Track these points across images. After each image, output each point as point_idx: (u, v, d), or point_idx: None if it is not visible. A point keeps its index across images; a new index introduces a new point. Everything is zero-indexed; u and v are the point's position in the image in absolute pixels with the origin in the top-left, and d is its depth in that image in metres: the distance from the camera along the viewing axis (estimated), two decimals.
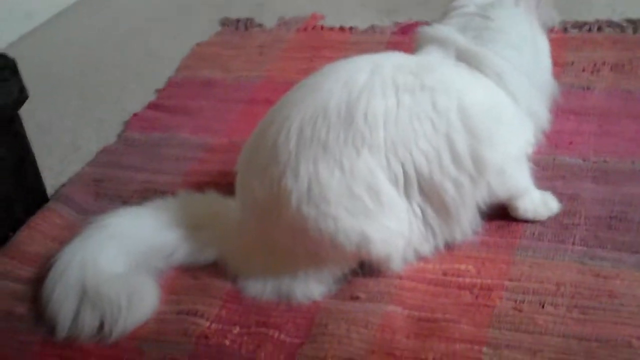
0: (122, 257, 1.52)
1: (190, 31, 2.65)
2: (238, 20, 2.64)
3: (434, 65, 1.46)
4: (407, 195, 1.42)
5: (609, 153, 1.73)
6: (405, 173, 1.40)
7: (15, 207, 1.75)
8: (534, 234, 1.54)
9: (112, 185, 1.89)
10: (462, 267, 1.48)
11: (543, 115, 1.55)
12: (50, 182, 1.92)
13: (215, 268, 1.55)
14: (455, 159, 1.41)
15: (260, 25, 2.61)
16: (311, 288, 1.47)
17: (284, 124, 1.41)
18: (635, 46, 2.14)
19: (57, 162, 2.04)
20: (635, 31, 2.23)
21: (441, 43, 1.50)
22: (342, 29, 2.49)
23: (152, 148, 2.02)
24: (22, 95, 1.70)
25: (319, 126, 1.38)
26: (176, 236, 1.56)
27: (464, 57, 1.48)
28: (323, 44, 2.40)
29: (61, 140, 2.14)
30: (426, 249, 1.49)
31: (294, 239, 1.43)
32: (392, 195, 1.40)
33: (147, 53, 2.59)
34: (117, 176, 1.91)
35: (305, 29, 2.53)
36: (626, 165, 1.69)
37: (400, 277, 1.47)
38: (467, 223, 1.50)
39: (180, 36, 2.63)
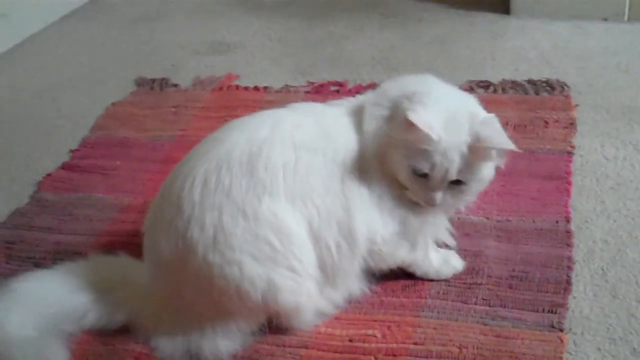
0: (31, 320, 1.51)
1: (104, 90, 2.66)
2: (153, 80, 2.67)
3: (330, 127, 1.52)
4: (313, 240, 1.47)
5: (512, 212, 1.80)
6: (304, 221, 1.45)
7: None
8: (439, 292, 1.58)
9: (24, 247, 1.88)
10: (369, 332, 1.51)
11: None
12: None
13: (127, 331, 1.56)
14: (338, 222, 1.47)
15: (175, 85, 2.63)
16: (218, 344, 1.49)
17: (188, 176, 1.46)
18: (537, 107, 2.25)
19: None
20: (537, 92, 2.33)
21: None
22: (256, 88, 2.53)
23: (65, 208, 2.01)
24: None
25: (222, 175, 1.44)
26: (86, 300, 1.55)
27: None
28: (238, 103, 2.44)
29: None
30: (329, 302, 1.53)
31: (201, 291, 1.45)
32: (302, 235, 1.45)
33: (60, 112, 2.59)
34: (29, 238, 1.91)
35: (220, 89, 2.57)
36: (527, 224, 1.76)
37: (307, 346, 1.50)
38: (355, 284, 1.54)
39: (94, 95, 2.64)
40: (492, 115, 1.52)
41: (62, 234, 1.92)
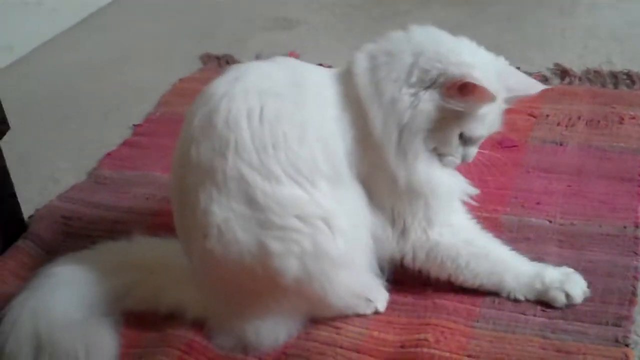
0: (75, 303, 1.50)
1: (169, 65, 2.67)
2: (218, 58, 2.64)
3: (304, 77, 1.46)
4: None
5: (577, 215, 1.72)
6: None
7: None
8: (494, 301, 1.51)
9: (81, 224, 1.88)
10: (421, 336, 1.44)
11: None
12: (29, 213, 1.92)
13: (177, 317, 1.53)
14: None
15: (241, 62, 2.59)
16: (263, 335, 1.46)
17: (174, 168, 1.47)
18: (614, 101, 2.15)
19: (36, 194, 2.03)
20: (615, 86, 2.22)
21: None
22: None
23: (123, 186, 2.01)
24: (3, 127, 1.73)
25: (191, 151, 1.39)
26: (126, 280, 1.54)
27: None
28: None
29: (40, 173, 2.14)
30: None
31: (231, 275, 1.41)
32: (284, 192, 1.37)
33: (126, 86, 2.59)
34: (86, 214, 1.90)
35: None
36: (593, 229, 1.68)
37: (358, 350, 1.44)
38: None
39: (160, 70, 2.65)
40: (503, 59, 1.49)
41: (119, 211, 1.91)
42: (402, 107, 1.38)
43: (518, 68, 1.59)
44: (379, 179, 1.44)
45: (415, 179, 1.41)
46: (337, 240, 1.38)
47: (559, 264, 1.57)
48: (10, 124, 1.76)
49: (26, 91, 2.60)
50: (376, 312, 1.51)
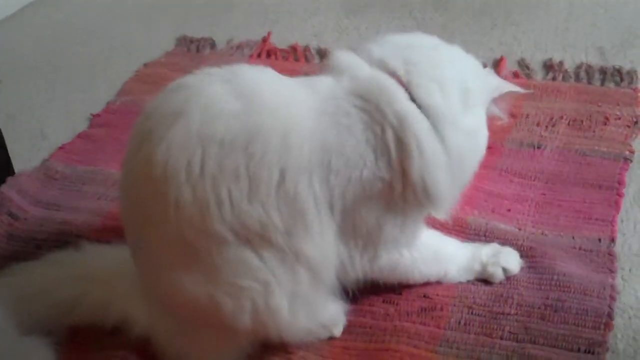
0: (15, 319, 1.39)
1: (155, 28, 2.64)
2: (191, 41, 2.52)
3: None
4: None
5: (549, 225, 1.62)
6: None
7: None
8: (459, 322, 1.41)
9: (27, 225, 1.77)
10: None
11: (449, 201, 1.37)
12: (20, 168, 1.94)
13: (121, 330, 1.43)
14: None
15: (212, 47, 2.48)
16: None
17: None
18: (600, 99, 2.04)
19: (25, 150, 2.05)
20: (602, 83, 2.11)
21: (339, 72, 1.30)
22: (296, 58, 2.37)
23: (74, 183, 1.90)
24: None
25: (132, 196, 1.31)
26: (75, 292, 1.43)
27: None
28: None
29: (30, 129, 2.16)
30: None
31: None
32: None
33: (113, 46, 2.57)
34: (33, 215, 1.80)
35: (258, 55, 2.40)
36: (565, 241, 1.58)
37: None
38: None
39: (148, 30, 2.63)
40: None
41: (68, 211, 1.80)
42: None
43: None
44: (370, 210, 1.31)
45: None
46: (293, 305, 1.28)
47: (529, 279, 1.49)
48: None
49: (14, 49, 2.59)
50: (331, 337, 1.41)
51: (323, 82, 1.29)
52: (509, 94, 1.41)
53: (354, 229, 1.30)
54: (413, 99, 1.25)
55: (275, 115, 1.21)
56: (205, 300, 1.25)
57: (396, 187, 1.26)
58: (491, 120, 1.89)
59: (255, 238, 1.22)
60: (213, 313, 1.26)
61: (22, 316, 1.40)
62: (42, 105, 2.28)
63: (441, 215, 1.36)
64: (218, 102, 1.21)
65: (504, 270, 1.48)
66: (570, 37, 2.34)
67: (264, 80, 1.28)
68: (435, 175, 1.26)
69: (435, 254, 1.45)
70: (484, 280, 1.49)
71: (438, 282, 1.48)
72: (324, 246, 1.27)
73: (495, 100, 1.39)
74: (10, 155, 1.89)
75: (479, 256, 1.48)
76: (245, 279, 1.24)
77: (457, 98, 1.28)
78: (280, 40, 2.47)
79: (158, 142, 1.20)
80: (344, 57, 1.31)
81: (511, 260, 1.49)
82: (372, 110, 1.24)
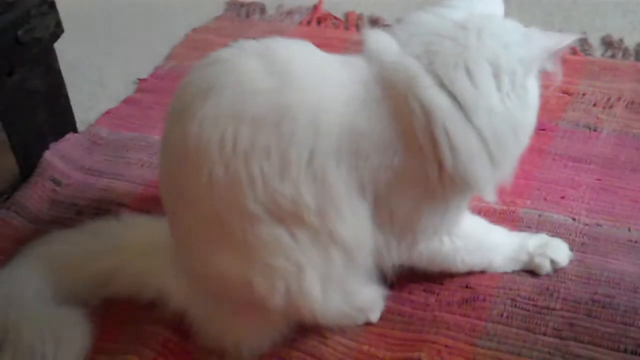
0: (49, 290, 1.38)
1: None
2: (241, 6, 2.47)
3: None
4: None
5: (604, 214, 1.56)
6: None
7: (47, 137, 1.84)
8: (502, 314, 1.36)
9: (69, 190, 1.76)
10: (415, 355, 1.30)
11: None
12: (80, 117, 1.97)
13: (156, 304, 1.40)
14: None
15: (262, 12, 2.43)
16: (242, 342, 1.33)
17: None
18: None
19: (86, 99, 2.08)
20: None
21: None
22: (347, 27, 2.31)
23: (118, 149, 1.88)
24: (58, 30, 1.78)
25: (170, 170, 1.28)
26: (111, 264, 1.41)
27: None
28: (321, 41, 2.18)
29: (90, 78, 2.19)
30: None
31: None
32: None
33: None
34: (75, 180, 1.78)
35: (308, 22, 2.36)
36: (621, 233, 1.51)
37: None
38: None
39: None
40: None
41: (110, 178, 1.78)
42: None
43: None
44: (407, 196, 1.25)
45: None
46: (326, 287, 1.25)
47: (578, 273, 1.42)
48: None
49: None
50: (368, 323, 1.37)
51: (356, 64, 1.22)
52: (559, 51, 1.26)
53: (390, 215, 1.26)
54: (441, 84, 1.17)
55: (307, 96, 1.17)
56: (238, 280, 1.22)
57: (432, 175, 1.21)
58: (546, 99, 1.84)
59: (288, 217, 1.18)
60: (246, 293, 1.23)
61: (58, 285, 1.39)
62: (102, 55, 2.30)
63: (489, 197, 1.28)
64: (250, 78, 1.18)
65: (552, 262, 1.42)
66: (633, 15, 2.24)
67: (298, 56, 1.22)
68: (470, 165, 1.19)
69: (479, 242, 1.40)
70: (530, 271, 1.43)
71: (482, 272, 1.43)
72: (357, 229, 1.23)
73: (547, 61, 1.26)
74: (72, 104, 1.91)
75: (526, 246, 1.42)
76: (279, 259, 1.20)
77: (488, 79, 1.18)
78: (332, 7, 2.41)
79: (191, 118, 1.17)
80: (374, 38, 1.24)
81: (560, 252, 1.43)
82: (399, 99, 1.17)
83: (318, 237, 1.21)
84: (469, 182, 1.21)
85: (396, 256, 1.31)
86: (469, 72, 1.17)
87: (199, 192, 1.19)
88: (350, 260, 1.25)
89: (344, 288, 1.28)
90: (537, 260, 1.42)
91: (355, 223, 1.22)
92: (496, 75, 1.19)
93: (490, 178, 1.23)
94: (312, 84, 1.19)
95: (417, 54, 1.18)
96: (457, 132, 1.17)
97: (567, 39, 1.24)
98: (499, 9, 1.30)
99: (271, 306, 1.24)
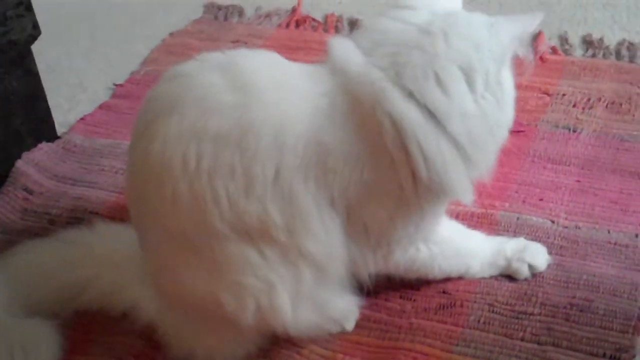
0: (20, 302, 1.36)
1: None
2: (219, 9, 2.44)
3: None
4: None
5: (584, 216, 1.54)
6: None
7: (25, 140, 1.82)
8: (479, 320, 1.34)
9: (42, 199, 1.73)
10: None
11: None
12: (59, 119, 1.95)
13: (128, 316, 1.38)
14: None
15: (241, 15, 2.40)
16: (228, 351, 1.31)
17: None
18: None
19: (65, 101, 2.06)
20: None
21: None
22: (325, 29, 2.30)
23: (92, 157, 1.85)
24: (35, 32, 1.74)
25: (137, 184, 1.26)
26: (85, 275, 1.39)
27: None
28: (300, 44, 2.21)
29: (70, 80, 2.16)
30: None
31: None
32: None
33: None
34: (48, 189, 1.75)
35: (287, 25, 2.33)
36: (600, 235, 1.49)
37: None
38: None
39: None
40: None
41: (84, 186, 1.75)
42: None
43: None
44: (380, 207, 1.23)
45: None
46: (297, 303, 1.23)
47: (557, 277, 1.40)
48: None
49: (53, 1, 2.45)
50: (343, 331, 1.34)
51: (320, 75, 1.19)
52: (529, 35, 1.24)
53: (364, 227, 1.23)
54: (410, 95, 1.14)
55: (270, 110, 1.14)
56: (207, 297, 1.20)
57: (405, 185, 1.18)
58: (525, 100, 1.83)
59: (256, 234, 1.16)
60: (216, 310, 1.21)
61: (29, 297, 1.37)
62: (82, 56, 2.28)
63: (466, 200, 1.25)
64: (212, 93, 1.15)
65: (530, 267, 1.40)
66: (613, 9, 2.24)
67: (262, 69, 1.19)
68: (445, 173, 1.16)
69: (456, 248, 1.37)
70: (508, 276, 1.41)
71: (459, 278, 1.41)
72: (328, 243, 1.20)
73: (519, 48, 1.23)
74: (50, 106, 1.89)
75: (504, 251, 1.40)
76: (248, 276, 1.18)
77: (460, 84, 1.15)
78: (311, 9, 2.38)
79: (154, 136, 1.15)
80: (338, 47, 1.20)
81: (538, 256, 1.41)
82: (366, 112, 1.14)
83: (287, 254, 1.18)
84: (445, 189, 1.19)
85: (372, 266, 1.29)
86: (439, 81, 1.14)
87: (164, 210, 1.16)
88: (321, 274, 1.22)
89: (316, 301, 1.26)
90: (515, 265, 1.39)
91: (325, 237, 1.20)
92: (468, 78, 1.16)
93: (467, 182, 1.21)
94: (276, 97, 1.15)
95: (383, 66, 1.14)
96: (429, 142, 1.14)
97: (535, 21, 1.20)
98: (458, 1, 1.27)
99: (242, 323, 1.22)
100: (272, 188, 1.14)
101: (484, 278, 1.41)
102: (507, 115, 1.23)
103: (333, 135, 1.14)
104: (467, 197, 1.23)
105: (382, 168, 1.16)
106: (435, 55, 1.14)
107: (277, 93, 1.16)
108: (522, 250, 1.40)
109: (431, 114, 1.14)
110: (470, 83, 1.16)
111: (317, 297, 1.25)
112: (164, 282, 1.26)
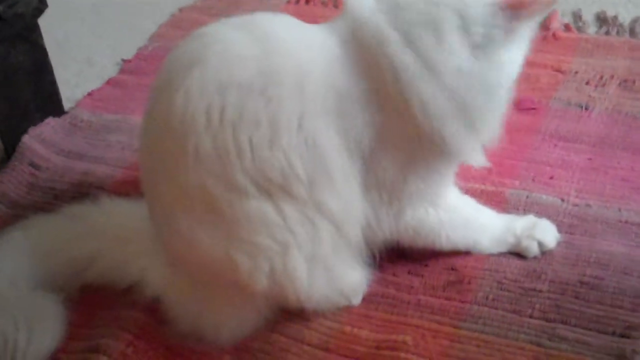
0: (25, 276, 1.36)
1: None
2: None
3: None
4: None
5: (594, 195, 1.51)
6: None
7: (32, 114, 1.81)
8: (487, 297, 1.32)
9: (48, 174, 1.72)
10: (399, 338, 1.27)
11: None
12: (66, 94, 1.94)
13: (134, 290, 1.38)
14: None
15: None
16: (222, 327, 1.30)
17: None
18: None
19: (72, 76, 2.06)
20: None
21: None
22: (335, 5, 2.26)
23: (99, 132, 1.84)
24: (41, 5, 1.73)
25: (154, 146, 1.24)
26: (90, 249, 1.38)
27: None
28: (309, 20, 2.16)
29: (77, 55, 2.16)
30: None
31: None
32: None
33: None
34: (55, 164, 1.75)
35: (297, 1, 2.31)
36: (611, 213, 1.47)
37: (327, 349, 1.28)
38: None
39: None
40: None
41: (90, 161, 1.75)
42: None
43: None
44: (391, 158, 1.23)
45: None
46: (312, 269, 1.22)
47: (566, 255, 1.38)
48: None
49: None
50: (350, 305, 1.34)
51: (336, 25, 1.21)
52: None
53: (377, 180, 1.23)
54: (408, 42, 1.14)
55: (291, 58, 1.16)
56: (221, 259, 1.20)
57: (411, 135, 1.18)
58: (537, 78, 1.81)
59: (277, 190, 1.16)
60: (229, 273, 1.21)
61: (35, 272, 1.36)
62: (89, 32, 2.27)
63: (476, 162, 1.26)
64: (234, 46, 1.17)
65: (539, 244, 1.38)
66: None
67: (280, 25, 1.23)
68: (443, 126, 1.16)
69: (465, 219, 1.36)
70: (518, 253, 1.39)
71: (468, 254, 1.39)
72: (348, 198, 1.21)
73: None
74: (58, 81, 1.87)
75: (514, 228, 1.39)
76: (264, 237, 1.18)
77: (454, 34, 1.14)
78: None
79: (176, 90, 1.15)
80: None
81: (547, 234, 1.39)
82: (371, 57, 1.16)
83: (306, 212, 1.19)
84: (446, 144, 1.18)
85: (386, 228, 1.29)
86: (435, 28, 1.14)
87: (184, 166, 1.16)
88: (339, 235, 1.22)
89: (330, 270, 1.25)
90: (525, 242, 1.38)
91: (346, 192, 1.21)
92: (465, 31, 1.14)
93: (468, 141, 1.20)
94: (296, 48, 1.18)
95: (385, 10, 1.16)
96: (425, 91, 1.14)
97: None
98: None
99: (254, 286, 1.21)
100: (295, 137, 1.15)
101: (492, 255, 1.39)
102: (503, 81, 1.22)
103: (347, 80, 1.16)
104: (474, 158, 1.24)
105: (389, 114, 1.18)
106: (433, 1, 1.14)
107: (297, 44, 1.18)
108: (531, 227, 1.39)
109: (428, 65, 1.13)
110: (466, 36, 1.15)
111: (332, 265, 1.25)
112: (176, 247, 1.25)
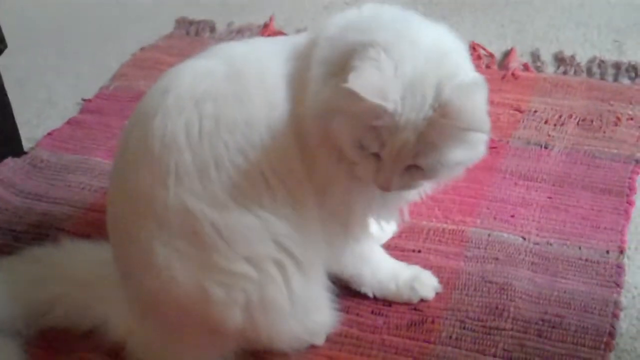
0: None
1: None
2: (190, 24, 2.42)
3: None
4: None
5: (555, 233, 1.53)
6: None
7: None
8: (451, 337, 1.33)
9: (7, 216, 1.69)
10: None
11: None
12: (26, 134, 1.93)
13: (93, 334, 1.35)
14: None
15: (212, 30, 2.39)
16: None
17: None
18: (612, 97, 1.95)
19: (33, 117, 2.04)
20: (615, 78, 2.00)
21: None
22: None
23: (59, 172, 1.82)
24: (1, 45, 1.72)
25: (128, 173, 1.22)
26: (52, 294, 1.36)
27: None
28: None
29: (38, 95, 2.14)
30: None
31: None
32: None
33: (125, 14, 2.55)
34: (14, 205, 1.72)
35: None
36: (572, 251, 1.48)
37: None
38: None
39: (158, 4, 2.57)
40: (476, 77, 1.13)
41: (50, 202, 1.72)
42: None
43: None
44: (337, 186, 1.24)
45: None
46: (291, 286, 1.22)
47: (528, 292, 1.39)
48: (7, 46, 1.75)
49: (23, 13, 2.56)
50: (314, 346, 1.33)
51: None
52: None
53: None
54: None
55: (253, 64, 1.23)
56: (195, 292, 1.18)
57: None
58: (497, 116, 1.83)
59: (254, 204, 1.18)
60: (202, 309, 1.19)
61: None
62: (50, 71, 2.25)
63: None
64: (203, 67, 1.22)
65: (418, 296, 1.40)
66: (584, 27, 2.26)
67: (242, 45, 1.31)
68: None
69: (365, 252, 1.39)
70: (479, 290, 1.40)
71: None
72: (314, 227, 1.25)
73: None
74: (18, 122, 1.86)
75: (398, 277, 1.40)
76: (244, 262, 1.19)
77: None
78: (284, 25, 2.37)
79: (153, 117, 1.19)
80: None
81: (425, 287, 1.40)
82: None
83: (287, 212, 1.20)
84: None
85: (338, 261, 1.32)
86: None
87: (164, 190, 1.16)
88: (305, 268, 1.23)
89: (304, 303, 1.25)
90: (405, 293, 1.39)
91: (312, 213, 1.24)
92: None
93: None
94: (254, 56, 1.25)
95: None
96: None
97: None
98: None
99: (227, 323, 1.20)
100: (265, 137, 1.18)
101: (454, 293, 1.40)
102: None
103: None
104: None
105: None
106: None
107: (257, 53, 1.25)
108: (413, 279, 1.40)
109: None
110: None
111: (306, 297, 1.25)
112: (149, 286, 1.22)
